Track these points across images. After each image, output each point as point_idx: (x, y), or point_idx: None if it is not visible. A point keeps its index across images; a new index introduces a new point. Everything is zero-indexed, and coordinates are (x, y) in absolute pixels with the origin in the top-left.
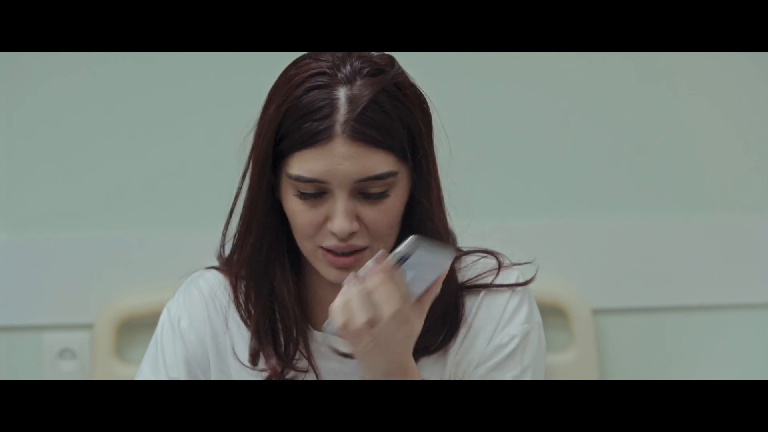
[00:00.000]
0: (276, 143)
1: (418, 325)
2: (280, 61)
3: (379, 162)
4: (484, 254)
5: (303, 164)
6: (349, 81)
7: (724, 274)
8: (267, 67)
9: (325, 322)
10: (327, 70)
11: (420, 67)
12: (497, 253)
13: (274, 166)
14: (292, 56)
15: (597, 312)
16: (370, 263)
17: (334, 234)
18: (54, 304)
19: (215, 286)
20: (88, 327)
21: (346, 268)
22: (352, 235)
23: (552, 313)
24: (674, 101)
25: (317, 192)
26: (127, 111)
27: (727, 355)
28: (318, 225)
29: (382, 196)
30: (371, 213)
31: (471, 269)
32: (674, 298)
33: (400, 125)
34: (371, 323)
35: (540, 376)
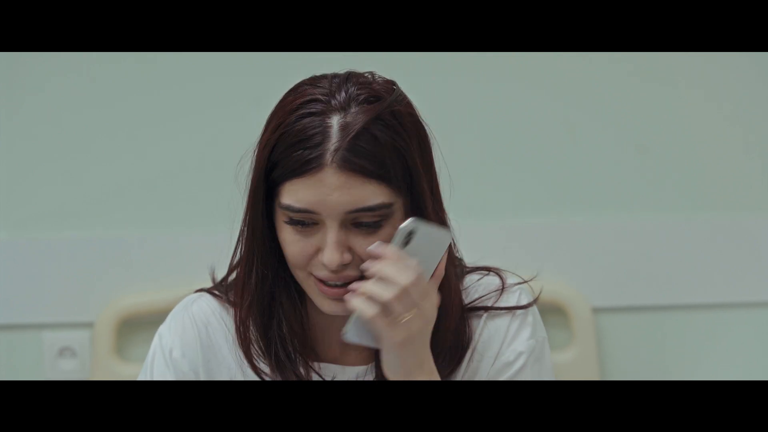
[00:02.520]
0: (268, 171)
1: (432, 311)
2: (279, 61)
3: (372, 193)
4: (487, 272)
5: (293, 194)
6: (342, 108)
7: (724, 273)
8: (267, 67)
9: (345, 328)
10: (321, 97)
11: (420, 67)
12: (500, 270)
13: (268, 194)
14: (292, 56)
15: (597, 311)
16: (373, 247)
17: (325, 265)
18: (54, 303)
19: (208, 313)
20: (89, 326)
21: (339, 300)
22: (344, 266)
23: (552, 312)
24: (674, 100)
25: (308, 222)
26: (127, 111)
27: (728, 354)
28: (309, 255)
29: (375, 226)
30: (364, 244)
31: (474, 289)
32: (675, 297)
33: (395, 155)
34: (398, 300)
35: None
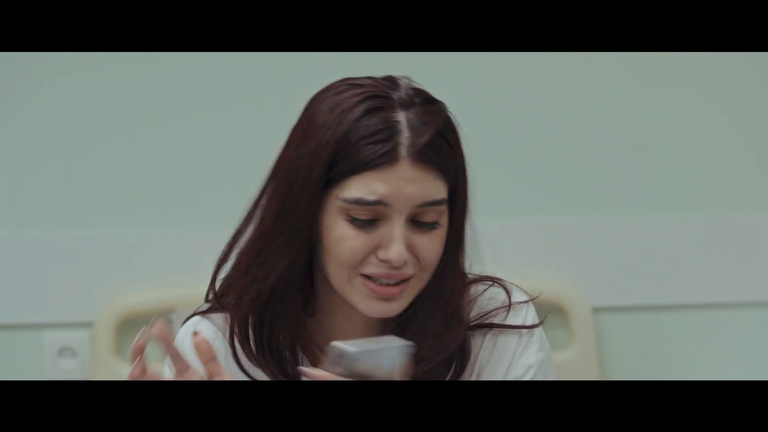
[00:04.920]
0: (325, 172)
1: None
2: (279, 61)
3: (438, 188)
4: (491, 283)
5: (364, 187)
6: (407, 105)
7: (724, 272)
8: (267, 67)
9: None
10: (381, 93)
11: (421, 67)
12: (504, 282)
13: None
14: (292, 56)
15: (597, 310)
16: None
17: (385, 261)
18: (54, 302)
19: (212, 336)
20: (89, 325)
21: (389, 300)
22: (404, 263)
23: (552, 311)
24: (674, 100)
25: (372, 218)
26: (127, 111)
27: (728, 354)
28: (368, 252)
29: (434, 226)
30: (423, 241)
31: (479, 302)
32: (675, 297)
33: (454, 156)
34: None
35: None
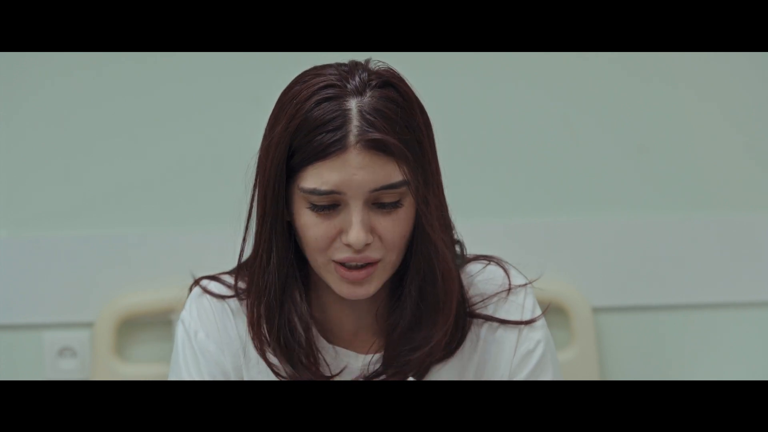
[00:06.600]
0: (287, 160)
1: None
2: (279, 61)
3: (393, 171)
4: (488, 262)
5: (318, 177)
6: (359, 92)
7: (724, 273)
8: (267, 67)
9: None
10: (336, 82)
11: (420, 67)
12: (501, 261)
13: (286, 182)
14: (292, 56)
15: (597, 310)
16: None
17: (348, 246)
18: (54, 303)
19: (219, 307)
20: (89, 325)
21: (359, 283)
22: (366, 246)
23: (552, 311)
24: (674, 100)
25: (331, 204)
26: (127, 111)
27: (728, 354)
28: (331, 238)
29: (396, 205)
30: (385, 222)
31: (476, 283)
32: (675, 297)
33: (409, 136)
34: None
35: (560, 373)
